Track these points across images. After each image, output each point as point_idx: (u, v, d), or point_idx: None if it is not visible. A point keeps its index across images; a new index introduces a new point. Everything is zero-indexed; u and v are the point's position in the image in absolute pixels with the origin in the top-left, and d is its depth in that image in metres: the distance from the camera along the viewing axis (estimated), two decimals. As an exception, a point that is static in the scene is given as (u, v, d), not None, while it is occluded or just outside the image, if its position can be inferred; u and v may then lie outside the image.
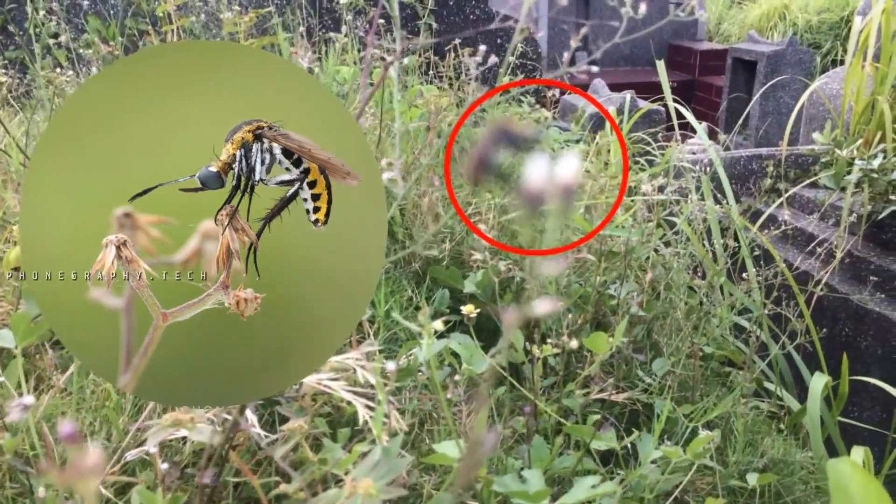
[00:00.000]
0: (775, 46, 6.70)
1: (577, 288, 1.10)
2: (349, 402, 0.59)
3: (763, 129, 6.25)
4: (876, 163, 2.18)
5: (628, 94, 4.86)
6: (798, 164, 3.10)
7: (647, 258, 1.39)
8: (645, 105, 5.47)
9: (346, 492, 0.46)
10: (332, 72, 1.58)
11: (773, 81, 6.13)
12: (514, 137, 0.25)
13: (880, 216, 2.31)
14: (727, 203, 2.15)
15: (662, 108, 5.24)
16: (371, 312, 0.88)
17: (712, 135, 6.64)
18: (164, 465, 0.59)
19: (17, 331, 0.67)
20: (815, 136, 2.57)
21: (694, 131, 4.22)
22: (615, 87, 6.45)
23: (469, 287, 1.12)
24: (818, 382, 1.29)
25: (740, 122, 6.34)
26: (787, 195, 2.61)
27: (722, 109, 7.24)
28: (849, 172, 2.43)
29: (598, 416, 0.85)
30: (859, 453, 1.02)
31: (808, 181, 2.72)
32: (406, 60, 1.82)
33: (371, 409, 0.57)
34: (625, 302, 1.14)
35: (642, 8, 1.08)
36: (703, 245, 1.70)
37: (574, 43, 0.80)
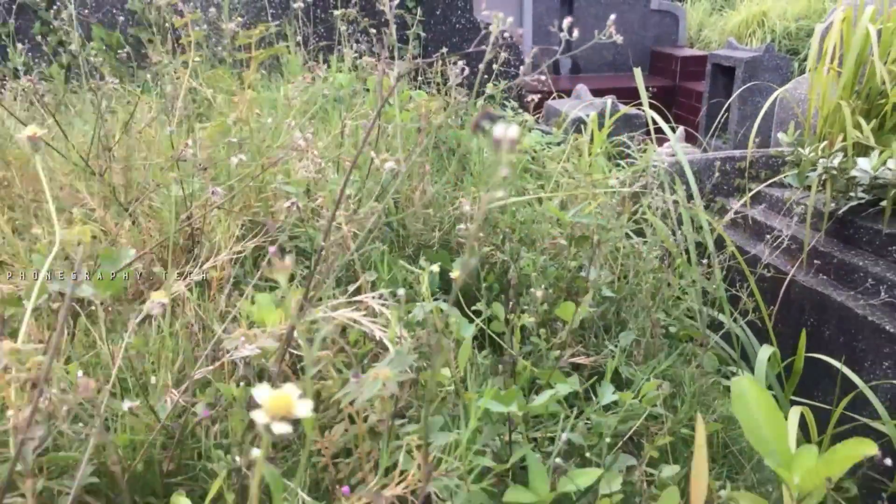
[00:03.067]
0: (753, 53, 6.91)
1: (552, 270, 1.25)
2: (364, 340, 0.73)
3: (742, 133, 6.44)
4: (836, 161, 2.34)
5: (608, 99, 5.04)
6: (769, 165, 3.27)
7: (619, 248, 1.54)
8: (623, 109, 5.63)
9: (371, 376, 0.60)
10: (331, 78, 1.73)
11: (750, 85, 6.32)
12: (490, 115, 0.43)
13: (841, 212, 2.48)
14: (694, 200, 2.31)
15: (642, 113, 5.41)
16: (374, 278, 1.03)
17: (691, 139, 6.84)
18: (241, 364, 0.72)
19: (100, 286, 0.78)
20: (780, 136, 2.73)
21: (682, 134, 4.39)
22: (599, 93, 6.62)
23: (457, 268, 1.25)
24: (765, 353, 1.44)
25: (717, 125, 6.54)
26: (750, 194, 2.78)
27: (702, 114, 7.44)
28: (813, 171, 2.60)
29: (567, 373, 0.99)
30: (796, 412, 1.16)
31: (774, 179, 2.89)
32: (399, 71, 1.96)
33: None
34: (595, 283, 1.28)
35: (618, 39, 1.23)
36: (672, 235, 1.85)
37: (562, 32, 0.94)
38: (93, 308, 0.84)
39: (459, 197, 1.61)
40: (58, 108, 1.82)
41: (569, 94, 6.22)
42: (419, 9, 3.03)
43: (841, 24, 2.70)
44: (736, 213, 3.23)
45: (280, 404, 0.48)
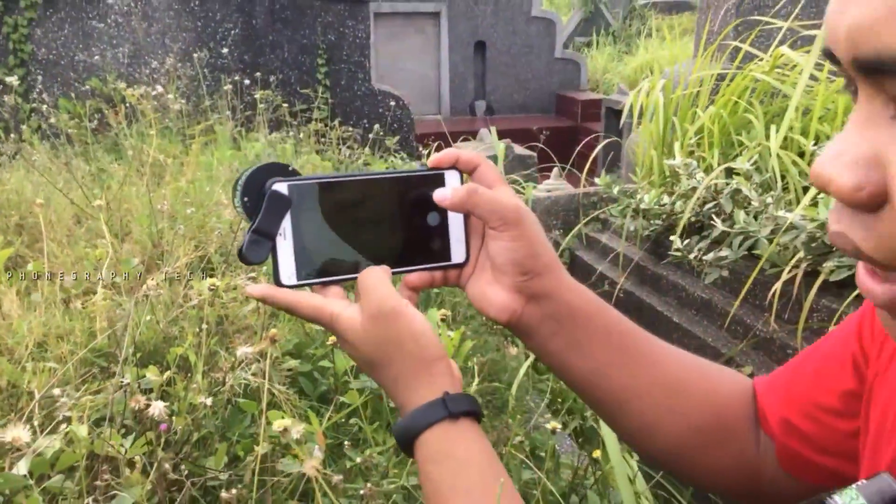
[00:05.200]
0: (636, 98, 7.85)
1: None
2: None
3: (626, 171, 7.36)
4: (636, 198, 3.16)
5: (502, 144, 5.84)
6: (614, 199, 4.10)
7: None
8: (518, 151, 6.49)
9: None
10: (249, 147, 2.41)
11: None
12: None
13: (646, 234, 3.28)
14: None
15: (534, 154, 6.25)
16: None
17: (591, 173, 7.72)
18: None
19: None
20: (597, 179, 3.55)
21: (562, 172, 5.23)
22: (512, 132, 7.47)
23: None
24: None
25: (606, 162, 7.45)
26: (584, 221, 3.58)
27: (597, 152, 8.38)
28: (629, 205, 3.41)
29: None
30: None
31: (601, 211, 3.71)
32: (301, 135, 2.68)
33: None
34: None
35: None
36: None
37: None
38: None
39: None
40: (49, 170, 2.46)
41: (475, 135, 7.04)
42: (328, 80, 3.76)
43: (647, 94, 3.56)
44: (590, 237, 4.06)
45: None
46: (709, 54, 3.76)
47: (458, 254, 0.69)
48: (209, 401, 0.92)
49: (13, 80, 2.64)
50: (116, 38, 3.58)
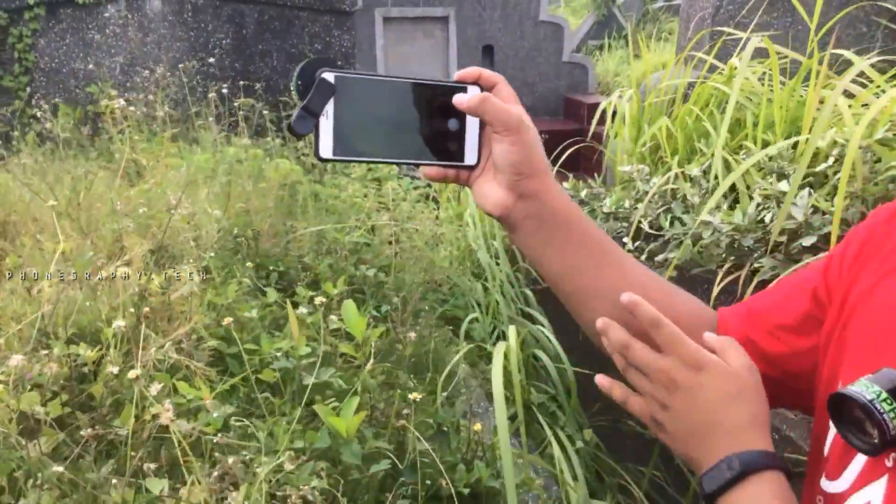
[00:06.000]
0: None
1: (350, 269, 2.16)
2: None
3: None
4: (608, 201, 3.32)
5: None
6: (586, 203, 4.24)
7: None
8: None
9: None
10: (225, 150, 2.62)
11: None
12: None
13: (617, 237, 3.43)
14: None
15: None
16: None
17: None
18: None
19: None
20: (566, 183, 3.72)
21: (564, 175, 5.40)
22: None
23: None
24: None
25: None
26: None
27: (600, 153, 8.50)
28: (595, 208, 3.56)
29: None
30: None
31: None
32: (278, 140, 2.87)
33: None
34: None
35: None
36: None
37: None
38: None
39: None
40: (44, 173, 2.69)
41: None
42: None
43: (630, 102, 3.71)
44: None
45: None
46: (680, 62, 3.89)
47: (470, 157, 0.81)
48: (117, 370, 1.12)
49: (18, 86, 2.89)
50: (114, 47, 3.84)
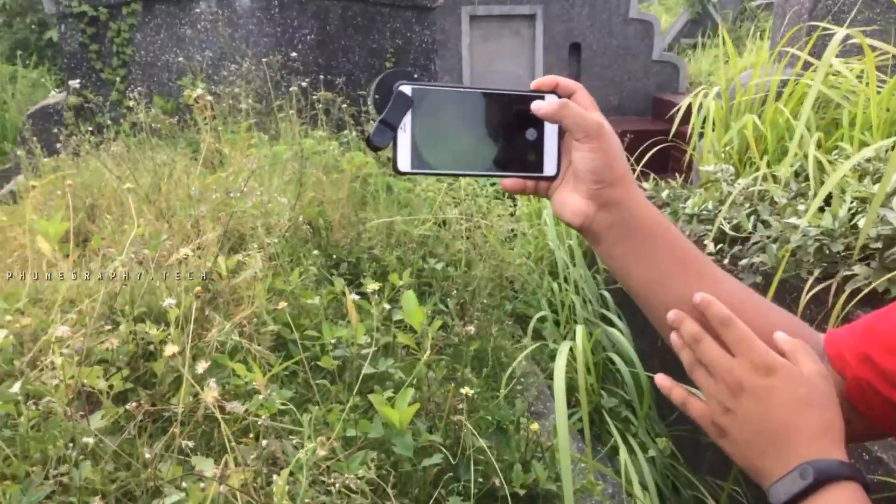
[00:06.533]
0: (730, 102, 7.66)
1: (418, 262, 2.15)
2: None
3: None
4: (689, 202, 3.20)
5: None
6: (667, 204, 4.11)
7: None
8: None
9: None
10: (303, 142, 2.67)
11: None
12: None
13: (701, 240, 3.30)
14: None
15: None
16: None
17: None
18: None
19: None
20: (645, 184, 3.59)
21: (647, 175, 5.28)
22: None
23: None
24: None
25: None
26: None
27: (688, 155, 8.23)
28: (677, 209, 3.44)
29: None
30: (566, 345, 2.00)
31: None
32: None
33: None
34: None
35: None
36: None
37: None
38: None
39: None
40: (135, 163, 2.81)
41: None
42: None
43: (704, 102, 3.57)
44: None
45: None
46: (772, 59, 3.71)
47: (549, 167, 0.79)
48: (176, 349, 1.14)
49: (116, 78, 3.02)
50: (205, 42, 3.99)
